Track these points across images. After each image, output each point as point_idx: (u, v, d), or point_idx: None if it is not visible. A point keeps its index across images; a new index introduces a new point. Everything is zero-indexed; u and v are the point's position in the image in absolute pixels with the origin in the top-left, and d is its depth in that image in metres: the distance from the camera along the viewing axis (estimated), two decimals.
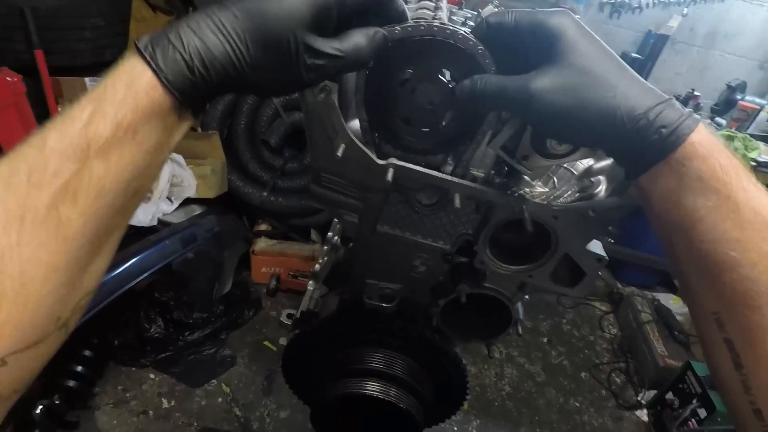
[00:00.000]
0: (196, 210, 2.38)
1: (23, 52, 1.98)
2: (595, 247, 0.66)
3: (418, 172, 0.60)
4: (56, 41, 2.08)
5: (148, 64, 0.39)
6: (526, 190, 0.69)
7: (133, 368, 2.09)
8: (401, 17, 0.51)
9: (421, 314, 0.82)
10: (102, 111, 0.39)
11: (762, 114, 2.94)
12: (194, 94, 0.41)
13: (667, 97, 0.43)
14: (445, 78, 0.56)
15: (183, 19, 0.42)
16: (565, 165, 0.72)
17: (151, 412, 1.96)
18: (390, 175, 0.59)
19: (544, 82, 0.45)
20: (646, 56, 3.11)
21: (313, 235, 2.71)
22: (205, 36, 0.40)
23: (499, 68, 0.52)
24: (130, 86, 0.39)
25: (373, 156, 0.60)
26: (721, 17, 3.07)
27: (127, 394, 2.00)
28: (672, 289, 3.17)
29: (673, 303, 2.89)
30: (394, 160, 0.60)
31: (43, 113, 2.03)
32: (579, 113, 0.44)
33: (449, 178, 0.61)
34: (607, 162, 0.67)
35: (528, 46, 0.48)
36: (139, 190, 0.43)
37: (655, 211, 0.45)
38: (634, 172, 0.45)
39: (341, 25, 0.46)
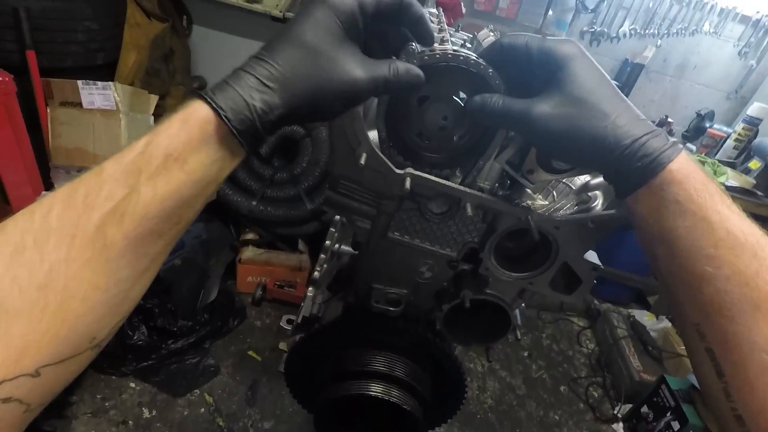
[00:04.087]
0: None
1: (14, 52, 1.96)
2: (591, 256, 0.72)
3: (433, 181, 0.64)
4: (48, 42, 2.06)
5: (206, 101, 0.43)
6: (528, 202, 0.74)
7: (113, 377, 2.04)
8: (424, 33, 0.54)
9: (425, 318, 0.85)
10: (156, 142, 0.42)
11: (728, 141, 3.12)
12: (250, 131, 0.44)
13: (656, 128, 0.48)
14: (459, 98, 0.61)
15: (242, 65, 0.46)
16: (563, 180, 0.78)
17: (131, 422, 1.91)
18: (408, 184, 0.63)
19: (543, 108, 0.50)
20: (623, 83, 3.28)
21: (300, 245, 2.72)
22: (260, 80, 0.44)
23: (506, 85, 0.57)
24: (186, 121, 0.43)
25: (392, 166, 0.64)
26: (692, 50, 3.27)
27: (106, 404, 1.95)
28: (646, 306, 3.29)
29: (648, 319, 3.00)
30: (411, 170, 0.64)
31: (32, 114, 2.00)
32: (574, 138, 0.48)
33: (462, 188, 0.65)
34: (602, 178, 0.73)
35: (534, 69, 0.53)
36: (182, 219, 0.45)
37: (640, 228, 0.50)
38: (621, 193, 0.50)
39: (369, 38, 0.51)
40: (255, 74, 0.44)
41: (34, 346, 0.37)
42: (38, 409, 0.41)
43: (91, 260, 0.39)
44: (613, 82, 0.52)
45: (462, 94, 0.62)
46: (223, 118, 0.42)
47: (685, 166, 0.46)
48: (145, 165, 0.41)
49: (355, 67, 0.47)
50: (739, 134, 3.07)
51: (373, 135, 0.65)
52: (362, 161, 0.61)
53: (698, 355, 0.46)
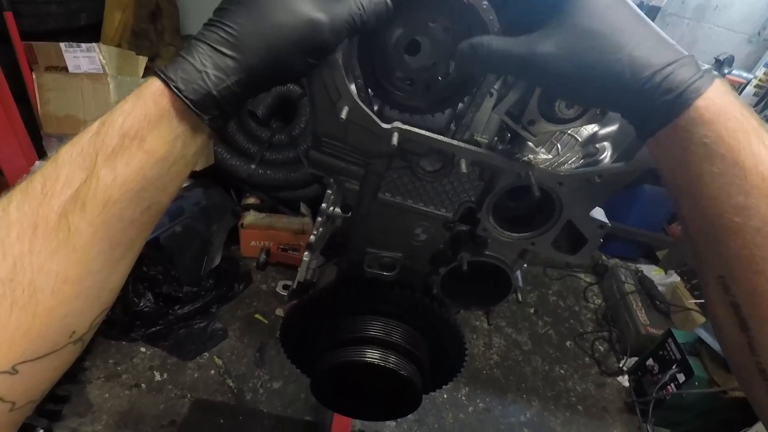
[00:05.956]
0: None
1: None
2: (598, 214, 0.66)
3: (423, 135, 0.58)
4: (26, 3, 1.96)
5: (158, 76, 0.41)
6: (530, 156, 0.68)
7: (124, 342, 2.08)
8: None
9: (421, 282, 0.81)
10: (111, 121, 0.40)
11: (748, 88, 2.96)
12: (208, 101, 0.41)
13: (683, 54, 0.41)
14: (437, 30, 0.53)
15: (196, 34, 0.43)
16: (569, 131, 0.71)
17: (143, 385, 1.97)
18: (395, 139, 0.57)
19: (548, 46, 0.43)
20: None
21: (303, 208, 2.69)
22: (213, 45, 0.41)
23: (504, 26, 0.50)
24: (139, 96, 0.41)
25: (377, 119, 0.58)
26: None
27: (119, 368, 2.00)
28: (654, 261, 3.26)
29: (656, 274, 2.98)
30: (398, 124, 0.58)
31: (18, 82, 1.93)
32: (585, 77, 0.42)
33: (455, 142, 0.59)
34: (612, 128, 0.66)
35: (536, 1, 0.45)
36: (152, 203, 0.43)
37: (664, 174, 0.44)
38: (642, 135, 0.44)
39: None
40: (206, 41, 0.41)
41: (6, 344, 0.36)
42: (28, 407, 0.40)
43: (57, 251, 0.38)
44: (632, 2, 0.44)
45: (442, 26, 0.54)
46: (173, 88, 0.40)
47: (716, 101, 0.39)
48: (102, 146, 0.39)
49: (313, 10, 0.42)
50: (760, 80, 2.91)
51: (354, 88, 0.59)
52: (343, 115, 0.55)
53: (720, 308, 0.42)
